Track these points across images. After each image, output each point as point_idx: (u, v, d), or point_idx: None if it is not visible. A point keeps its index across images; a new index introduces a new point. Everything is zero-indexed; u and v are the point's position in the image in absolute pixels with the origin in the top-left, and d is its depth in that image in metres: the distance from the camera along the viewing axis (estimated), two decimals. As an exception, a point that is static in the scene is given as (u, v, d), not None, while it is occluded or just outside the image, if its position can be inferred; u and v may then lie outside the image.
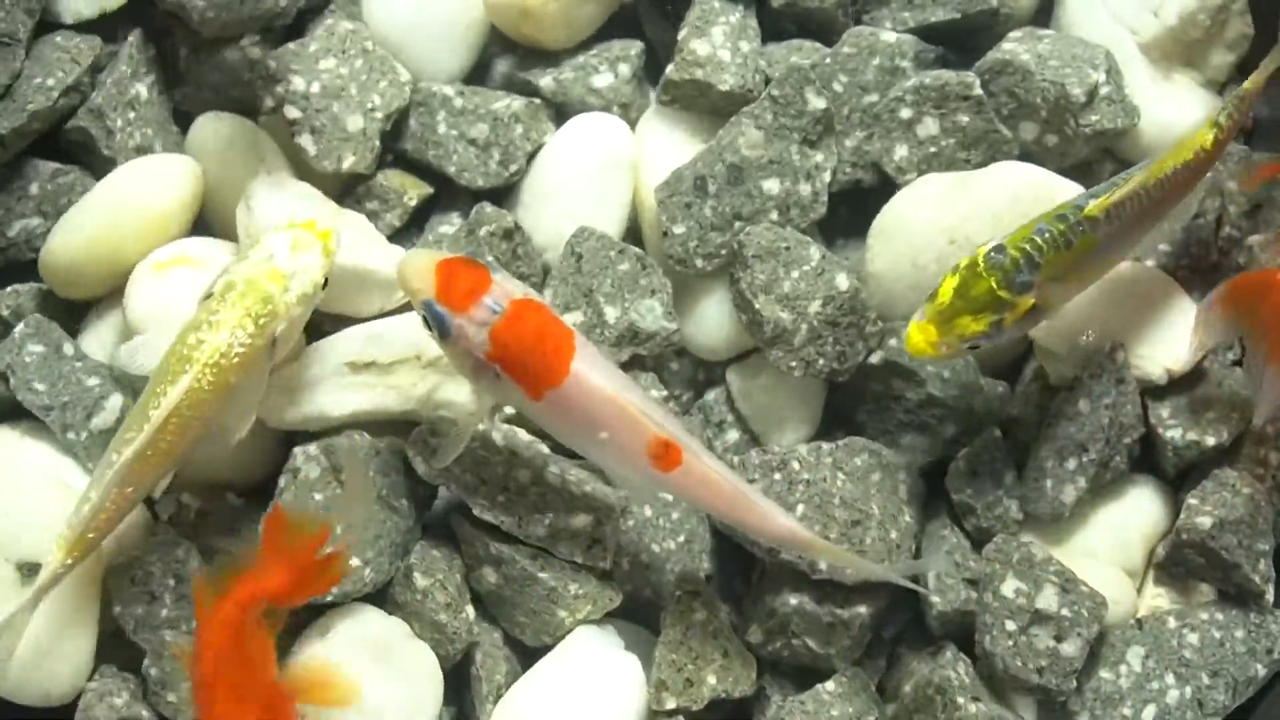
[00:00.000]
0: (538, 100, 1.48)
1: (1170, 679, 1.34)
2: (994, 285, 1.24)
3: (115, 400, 1.39)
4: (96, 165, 1.45)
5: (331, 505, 1.33)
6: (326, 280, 1.30)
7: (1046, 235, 1.26)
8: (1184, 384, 1.40)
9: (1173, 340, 1.38)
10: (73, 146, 1.46)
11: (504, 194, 1.48)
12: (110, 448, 1.26)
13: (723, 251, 1.40)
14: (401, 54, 1.48)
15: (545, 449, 1.38)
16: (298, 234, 1.30)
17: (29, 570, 1.32)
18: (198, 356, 1.25)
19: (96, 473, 1.27)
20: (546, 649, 1.36)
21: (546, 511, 1.35)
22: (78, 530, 1.26)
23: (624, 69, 1.49)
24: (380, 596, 1.38)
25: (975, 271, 1.25)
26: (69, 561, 1.26)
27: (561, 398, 1.23)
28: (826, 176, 1.41)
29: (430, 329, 1.25)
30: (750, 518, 1.26)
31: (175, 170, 1.42)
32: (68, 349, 1.40)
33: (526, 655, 1.38)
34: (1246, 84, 1.35)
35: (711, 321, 1.42)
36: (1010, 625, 1.32)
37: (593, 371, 1.24)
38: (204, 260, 1.40)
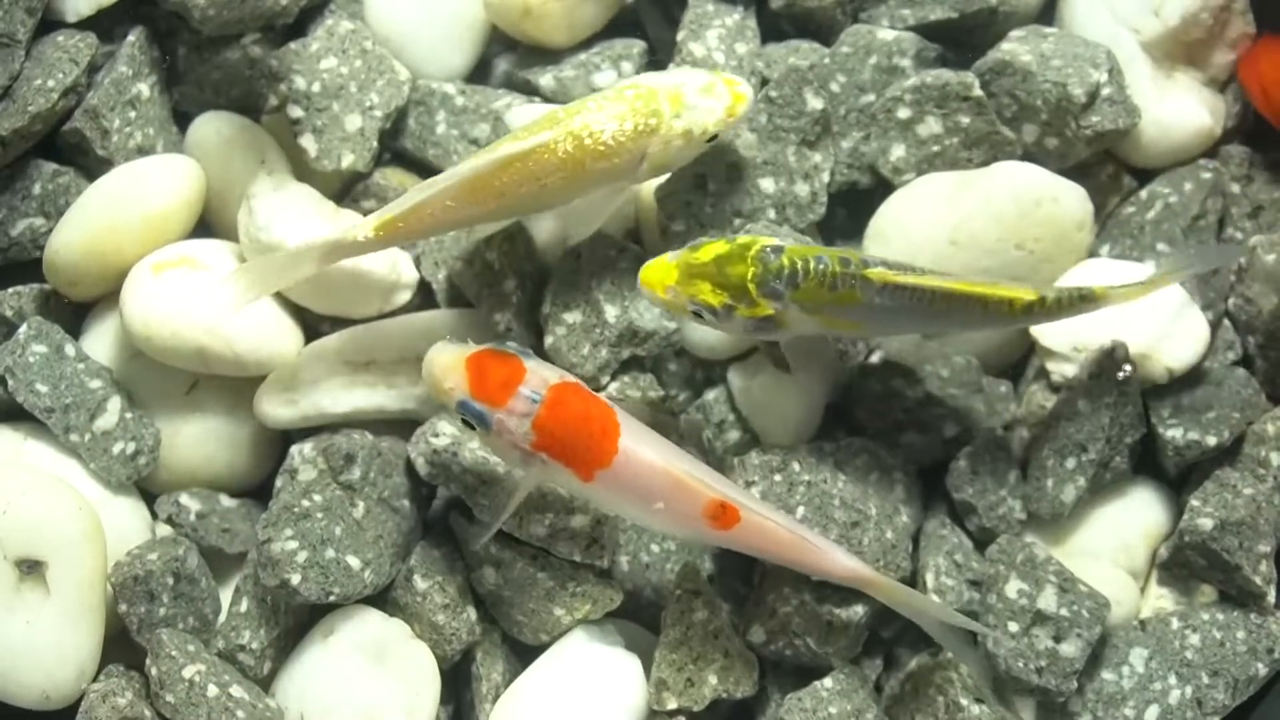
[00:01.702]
0: (538, 99, 1.48)
1: (1173, 679, 1.33)
2: (749, 275, 1.25)
3: (116, 402, 1.39)
4: (92, 166, 1.45)
5: None
6: (715, 136, 1.32)
7: (819, 266, 1.25)
8: (1185, 384, 1.39)
9: (1173, 340, 1.38)
10: (69, 148, 1.46)
11: (505, 194, 1.48)
12: (456, 167, 1.30)
13: (722, 250, 1.40)
14: (402, 53, 1.49)
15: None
16: (716, 81, 1.32)
17: (28, 568, 1.32)
18: (567, 122, 1.28)
19: (433, 178, 1.29)
20: (544, 648, 1.37)
21: (546, 511, 1.35)
22: (394, 213, 1.29)
23: (626, 67, 1.49)
24: (380, 598, 1.38)
25: (743, 253, 1.25)
26: (372, 236, 1.29)
27: (613, 476, 1.23)
28: (825, 177, 1.41)
29: (470, 427, 1.24)
30: (813, 561, 1.26)
31: (176, 170, 1.42)
32: (70, 350, 1.40)
33: (525, 654, 1.38)
34: (1100, 289, 1.28)
35: (713, 322, 1.42)
36: (1013, 626, 1.32)
37: (640, 446, 1.23)
38: (205, 261, 1.40)
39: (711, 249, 1.26)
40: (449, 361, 1.23)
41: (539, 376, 1.23)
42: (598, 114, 1.29)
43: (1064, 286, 1.29)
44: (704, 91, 1.31)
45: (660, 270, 1.27)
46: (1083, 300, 1.27)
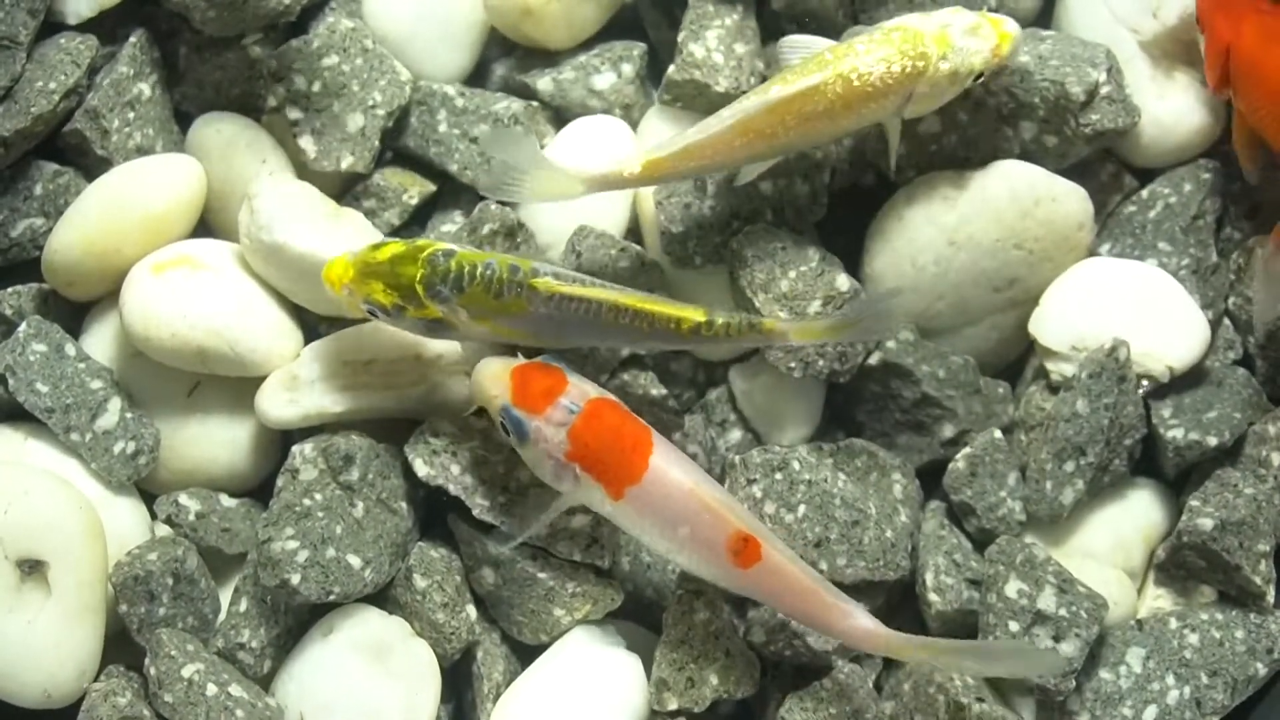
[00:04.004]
0: (535, 103, 1.48)
1: (1171, 680, 1.33)
2: (418, 277, 1.26)
3: (116, 402, 1.39)
4: (92, 167, 1.45)
5: None
6: (981, 75, 1.33)
7: (486, 273, 1.26)
8: (1185, 383, 1.39)
9: (1174, 340, 1.38)
10: (69, 149, 1.47)
11: (506, 193, 1.48)
12: (724, 110, 1.32)
13: (722, 250, 1.40)
14: (402, 53, 1.49)
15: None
16: (981, 22, 1.33)
17: (29, 567, 1.32)
18: (836, 64, 1.30)
19: (704, 121, 1.32)
20: (544, 648, 1.37)
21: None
22: (663, 153, 1.31)
23: (626, 69, 1.49)
24: (381, 596, 1.38)
25: (416, 254, 1.27)
26: (638, 173, 1.31)
27: (642, 494, 1.24)
28: (825, 176, 1.41)
29: (508, 433, 1.26)
30: (830, 617, 1.25)
31: (176, 170, 1.43)
32: (70, 350, 1.40)
33: (525, 654, 1.39)
34: (769, 322, 1.29)
35: (713, 322, 1.42)
36: (1013, 626, 1.32)
37: (671, 466, 1.24)
38: (205, 261, 1.40)
39: (390, 249, 1.28)
40: (496, 371, 1.27)
41: (579, 390, 1.25)
42: (866, 57, 1.30)
43: (736, 314, 1.30)
44: (970, 32, 1.32)
45: (339, 268, 1.29)
46: (752, 329, 1.29)
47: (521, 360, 1.28)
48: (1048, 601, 1.31)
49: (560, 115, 1.49)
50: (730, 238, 1.39)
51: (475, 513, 1.35)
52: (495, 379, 1.26)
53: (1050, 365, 1.39)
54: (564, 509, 1.30)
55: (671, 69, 1.44)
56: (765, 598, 1.28)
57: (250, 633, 1.36)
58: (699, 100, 1.44)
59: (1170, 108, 1.44)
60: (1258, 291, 1.37)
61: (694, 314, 1.29)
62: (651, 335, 1.29)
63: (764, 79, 1.44)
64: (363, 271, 1.28)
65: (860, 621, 1.24)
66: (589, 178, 1.31)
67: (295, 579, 1.32)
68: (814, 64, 1.31)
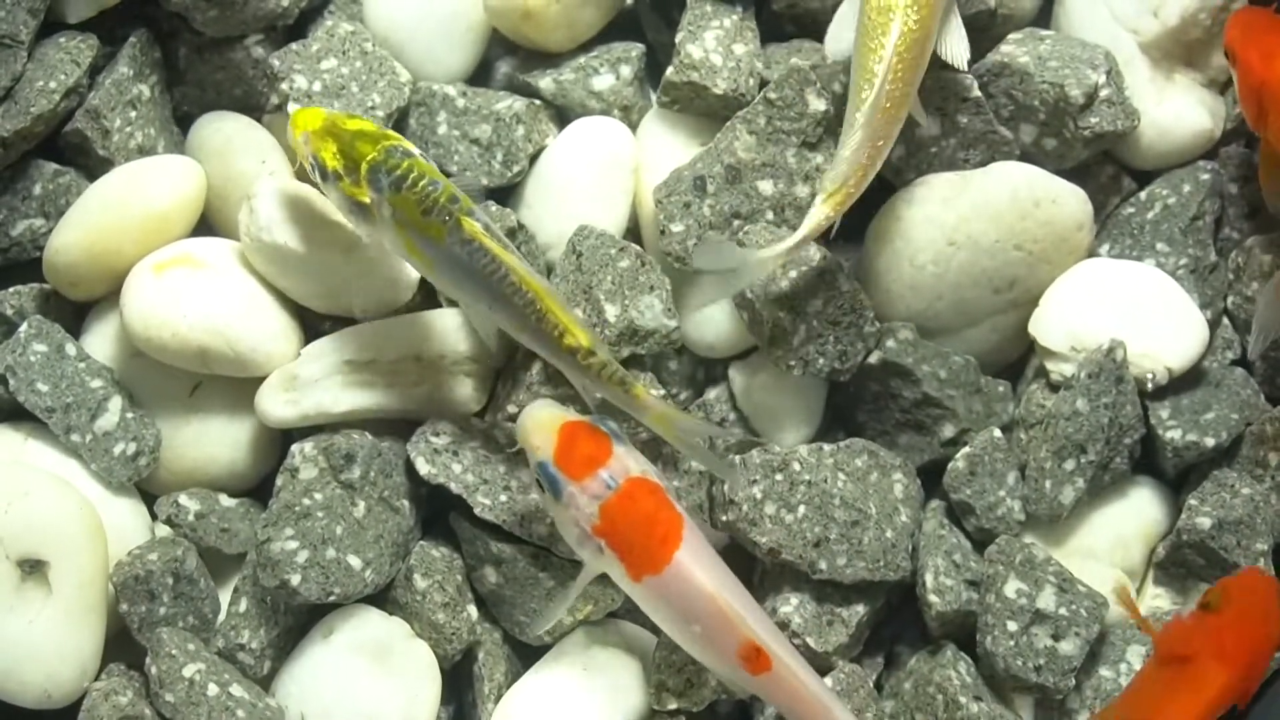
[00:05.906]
0: (538, 101, 1.48)
1: (1171, 679, 1.34)
2: (367, 159, 1.27)
3: (117, 402, 1.39)
4: (93, 167, 1.46)
5: None
6: None
7: (428, 187, 1.26)
8: (1184, 384, 1.40)
9: (1172, 340, 1.38)
10: (70, 149, 1.47)
11: (507, 193, 1.48)
12: (848, 111, 1.31)
13: (722, 250, 1.40)
14: (402, 55, 1.49)
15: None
16: None
17: (30, 567, 1.32)
18: (896, 2, 1.29)
19: (844, 137, 1.30)
20: (546, 648, 1.37)
21: (549, 511, 1.35)
22: (838, 184, 1.30)
23: (625, 70, 1.49)
24: (380, 597, 1.38)
25: (377, 140, 1.28)
26: (831, 214, 1.30)
27: (661, 585, 1.23)
28: (826, 176, 1.42)
29: (542, 490, 1.25)
30: None
31: (177, 170, 1.43)
32: (70, 349, 1.40)
33: (527, 654, 1.39)
34: (641, 393, 1.27)
35: (711, 320, 1.42)
36: (1012, 625, 1.32)
37: (695, 565, 1.23)
38: (206, 260, 1.40)
39: (360, 124, 1.30)
40: (545, 420, 1.25)
41: (622, 464, 1.24)
42: None
43: (616, 366, 1.28)
44: None
45: (312, 116, 1.31)
46: (622, 385, 1.27)
47: (573, 415, 1.26)
48: (1047, 601, 1.32)
49: (563, 114, 1.49)
50: (730, 237, 1.39)
51: (477, 511, 1.35)
52: (541, 428, 1.24)
53: (1050, 365, 1.40)
54: (588, 582, 1.29)
55: (669, 71, 1.44)
56: (772, 704, 1.28)
57: (250, 633, 1.36)
58: (697, 103, 1.44)
59: (1169, 110, 1.44)
60: (1263, 313, 1.37)
61: (581, 336, 1.26)
62: (535, 331, 1.27)
63: (764, 82, 1.44)
64: (327, 128, 1.29)
65: None
66: (792, 245, 1.30)
67: (295, 579, 1.32)
68: (879, 17, 1.30)
